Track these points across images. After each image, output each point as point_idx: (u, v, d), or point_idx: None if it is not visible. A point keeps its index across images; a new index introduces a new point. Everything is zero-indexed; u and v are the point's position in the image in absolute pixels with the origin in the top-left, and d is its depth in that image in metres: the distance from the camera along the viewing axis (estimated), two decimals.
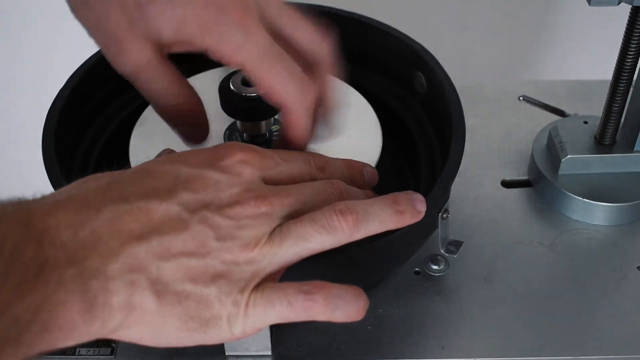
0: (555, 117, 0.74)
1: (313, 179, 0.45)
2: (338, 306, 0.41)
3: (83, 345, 0.54)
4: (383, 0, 0.90)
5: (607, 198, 0.64)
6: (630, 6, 0.57)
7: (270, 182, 0.43)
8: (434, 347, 0.55)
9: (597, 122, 0.66)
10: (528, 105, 0.76)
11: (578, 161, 0.65)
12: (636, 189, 0.65)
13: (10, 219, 0.35)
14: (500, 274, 0.60)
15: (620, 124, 0.66)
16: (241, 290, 0.39)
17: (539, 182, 0.67)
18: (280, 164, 0.44)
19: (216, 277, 0.38)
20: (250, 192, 0.40)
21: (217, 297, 0.38)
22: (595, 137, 0.67)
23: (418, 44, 0.64)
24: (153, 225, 0.37)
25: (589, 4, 0.55)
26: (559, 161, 0.65)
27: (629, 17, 0.59)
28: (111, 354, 0.54)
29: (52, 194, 0.38)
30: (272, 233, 0.40)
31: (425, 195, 0.52)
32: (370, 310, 0.57)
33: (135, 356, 0.54)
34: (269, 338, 0.52)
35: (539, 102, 0.76)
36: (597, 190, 0.64)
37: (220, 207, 0.39)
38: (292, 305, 0.40)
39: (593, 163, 0.66)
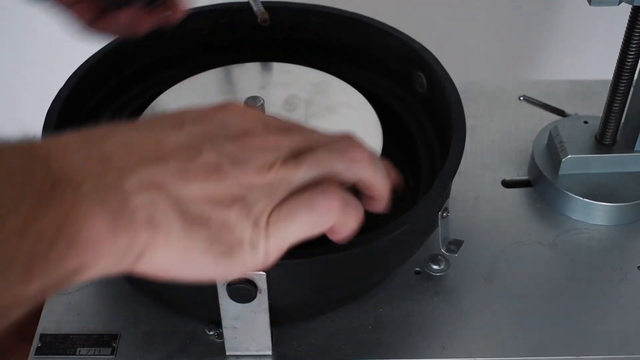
0: (555, 117, 0.74)
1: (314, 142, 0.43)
2: (351, 201, 0.40)
3: (83, 345, 0.54)
4: (383, 0, 0.90)
5: (607, 198, 0.64)
6: (631, 6, 0.57)
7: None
8: (434, 347, 0.55)
9: (598, 122, 0.66)
10: (528, 105, 0.76)
11: (578, 161, 0.65)
12: (636, 189, 0.65)
13: (14, 147, 0.34)
14: (500, 274, 0.60)
15: (621, 124, 0.66)
16: (260, 212, 0.38)
17: (539, 182, 0.67)
18: (284, 124, 0.43)
19: (235, 201, 0.38)
20: (257, 127, 0.40)
21: (237, 220, 0.38)
22: (595, 137, 0.67)
23: (418, 43, 0.64)
24: (166, 151, 0.37)
25: (589, 4, 0.55)
26: (559, 161, 0.65)
27: (629, 17, 0.59)
28: (111, 353, 0.54)
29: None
30: (285, 159, 0.39)
31: (424, 194, 0.52)
32: (370, 310, 0.57)
33: (135, 356, 0.54)
34: (269, 338, 0.52)
35: (539, 102, 0.76)
36: (597, 190, 0.64)
37: (229, 137, 0.39)
38: (312, 207, 0.39)
39: (593, 163, 0.66)
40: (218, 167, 0.37)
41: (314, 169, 0.39)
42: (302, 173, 0.39)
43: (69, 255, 0.33)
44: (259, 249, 0.39)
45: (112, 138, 0.37)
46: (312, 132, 0.42)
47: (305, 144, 0.41)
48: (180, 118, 0.39)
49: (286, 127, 0.42)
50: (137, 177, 0.35)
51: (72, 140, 0.36)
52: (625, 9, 0.58)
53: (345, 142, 0.41)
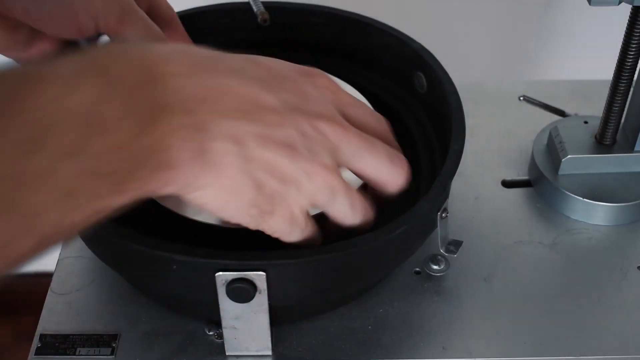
0: (555, 117, 0.74)
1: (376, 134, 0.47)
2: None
3: (83, 346, 0.54)
4: (383, 0, 0.90)
5: (607, 198, 0.64)
6: (631, 6, 0.57)
7: (344, 117, 0.45)
8: (434, 347, 0.55)
9: (598, 122, 0.66)
10: (528, 105, 0.76)
11: (578, 161, 0.65)
12: (636, 189, 0.65)
13: (130, 57, 0.36)
14: (500, 274, 0.60)
15: (621, 124, 0.66)
16: (303, 205, 0.43)
17: (539, 182, 0.67)
18: (357, 107, 0.47)
19: (291, 182, 0.41)
20: (334, 115, 0.43)
21: (282, 200, 0.42)
22: (595, 137, 0.67)
23: (418, 43, 0.64)
24: (256, 111, 0.40)
25: (589, 4, 0.55)
26: (559, 161, 0.65)
27: (629, 17, 0.59)
28: (111, 354, 0.54)
29: (165, 44, 0.40)
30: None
31: (424, 194, 0.52)
32: (370, 310, 0.57)
33: (135, 356, 0.54)
34: (269, 338, 0.52)
35: (539, 102, 0.76)
36: (597, 190, 0.64)
37: (309, 116, 0.42)
38: (353, 207, 0.45)
39: (593, 163, 0.66)
40: (293, 146, 0.41)
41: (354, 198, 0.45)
42: (351, 196, 0.44)
43: (152, 178, 0.37)
44: (296, 231, 0.44)
45: (216, 77, 0.40)
46: (377, 144, 0.46)
47: (364, 151, 0.44)
48: (278, 78, 0.42)
49: (359, 121, 0.45)
50: (223, 126, 0.39)
51: (182, 67, 0.38)
52: (625, 9, 0.58)
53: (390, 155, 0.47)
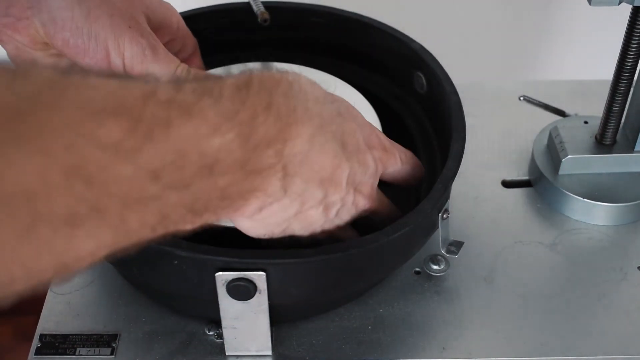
0: (555, 117, 0.74)
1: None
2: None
3: (83, 346, 0.54)
4: (383, 0, 0.90)
5: (607, 198, 0.64)
6: (631, 6, 0.57)
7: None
8: (434, 347, 0.55)
9: (598, 122, 0.66)
10: (528, 105, 0.76)
11: (578, 161, 0.65)
12: (636, 189, 0.65)
13: (275, 112, 0.40)
14: (500, 274, 0.60)
15: (621, 124, 0.66)
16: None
17: (539, 182, 0.67)
18: (396, 165, 0.53)
19: (306, 231, 0.48)
20: (372, 192, 0.50)
21: (289, 234, 0.47)
22: (595, 137, 0.67)
23: (418, 44, 0.64)
24: (330, 182, 0.45)
25: (589, 4, 0.55)
26: (559, 161, 0.65)
27: (630, 17, 0.59)
28: (111, 354, 0.54)
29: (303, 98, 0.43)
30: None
31: (425, 195, 0.52)
32: (370, 310, 0.57)
33: (135, 356, 0.54)
34: (269, 338, 0.52)
35: (539, 102, 0.76)
36: (597, 190, 0.64)
37: (357, 192, 0.48)
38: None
39: (593, 163, 0.66)
40: (330, 210, 0.47)
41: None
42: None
43: (226, 215, 0.42)
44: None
45: (323, 145, 0.44)
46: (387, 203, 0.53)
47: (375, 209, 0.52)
48: (356, 150, 0.47)
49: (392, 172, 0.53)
50: (300, 188, 0.43)
51: (309, 130, 0.42)
52: (625, 9, 0.58)
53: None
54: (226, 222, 0.48)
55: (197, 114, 0.35)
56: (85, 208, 0.31)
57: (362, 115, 0.51)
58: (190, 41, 0.61)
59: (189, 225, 0.38)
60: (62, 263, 0.32)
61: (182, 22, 0.59)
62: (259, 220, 0.45)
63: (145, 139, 0.32)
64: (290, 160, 0.42)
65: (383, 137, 0.52)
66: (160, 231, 0.36)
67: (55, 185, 0.29)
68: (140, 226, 0.34)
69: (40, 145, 0.29)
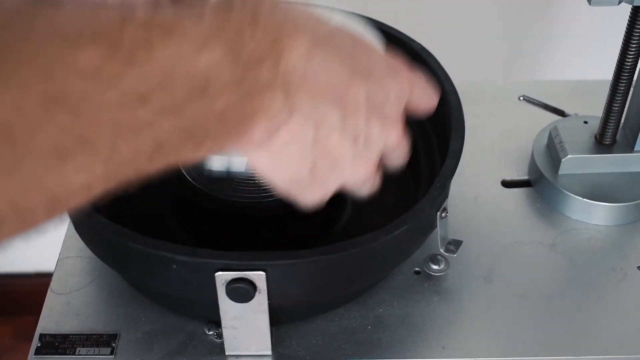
0: (555, 117, 0.74)
1: None
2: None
3: (83, 345, 0.54)
4: (383, 0, 0.90)
5: (607, 198, 0.64)
6: (631, 6, 0.57)
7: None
8: (434, 347, 0.55)
9: (597, 122, 0.66)
10: (528, 105, 0.76)
11: (578, 161, 0.65)
12: (636, 189, 0.65)
13: (262, 25, 0.37)
14: (500, 274, 0.60)
15: (621, 124, 0.66)
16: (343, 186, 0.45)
17: (539, 182, 0.67)
18: (422, 94, 0.49)
19: (340, 169, 0.44)
20: (398, 120, 0.45)
21: (327, 182, 0.44)
22: (595, 137, 0.67)
23: (418, 43, 0.64)
24: (344, 101, 0.42)
25: (589, 4, 0.55)
26: (559, 161, 0.65)
27: (629, 17, 0.59)
28: (111, 353, 0.54)
29: (293, 7, 0.41)
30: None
31: (424, 194, 0.52)
32: (370, 310, 0.57)
33: (135, 356, 0.54)
34: (269, 338, 0.52)
35: (539, 102, 0.76)
36: (597, 190, 0.64)
37: (380, 118, 0.44)
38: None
39: (593, 163, 0.66)
40: (357, 140, 0.43)
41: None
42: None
43: (230, 141, 0.39)
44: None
45: (325, 59, 0.40)
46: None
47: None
48: (372, 71, 0.43)
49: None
50: (310, 107, 0.40)
51: (305, 43, 0.39)
52: (625, 9, 0.58)
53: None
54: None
55: (179, 33, 0.33)
56: (72, 139, 0.30)
57: (372, 42, 0.47)
58: None
59: (191, 153, 0.36)
60: (53, 199, 0.31)
61: None
62: (273, 152, 0.41)
63: (127, 62, 0.31)
64: (289, 77, 0.39)
65: (401, 61, 0.48)
66: (160, 161, 0.35)
67: (34, 117, 0.28)
68: (134, 155, 0.33)
69: (14, 76, 0.28)
